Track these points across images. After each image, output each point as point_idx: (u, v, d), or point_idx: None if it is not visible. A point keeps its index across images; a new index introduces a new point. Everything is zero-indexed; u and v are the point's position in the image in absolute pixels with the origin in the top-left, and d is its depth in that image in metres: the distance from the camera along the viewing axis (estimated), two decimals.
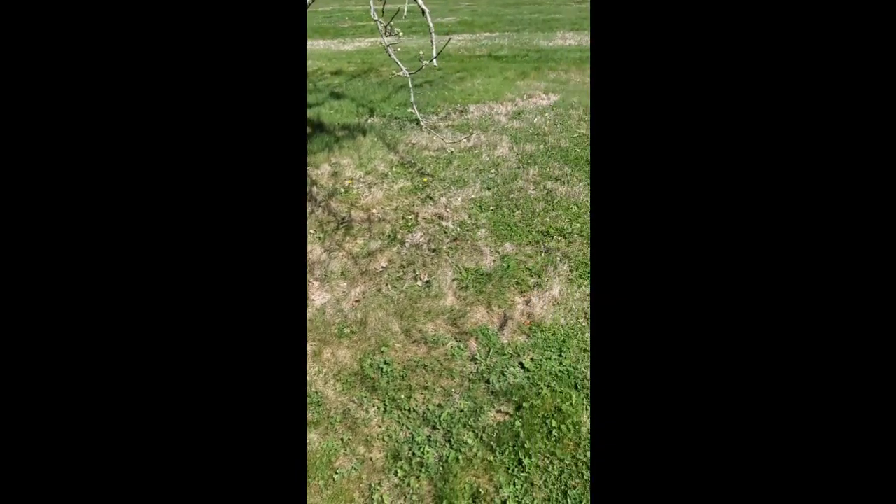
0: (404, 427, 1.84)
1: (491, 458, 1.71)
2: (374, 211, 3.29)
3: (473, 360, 2.11)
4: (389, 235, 3.00)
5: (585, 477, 1.62)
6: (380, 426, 1.86)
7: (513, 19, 10.65)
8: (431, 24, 2.10)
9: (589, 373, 1.99)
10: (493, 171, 3.67)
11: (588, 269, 2.56)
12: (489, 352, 2.14)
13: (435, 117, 4.92)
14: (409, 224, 3.10)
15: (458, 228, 3.00)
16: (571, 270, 2.58)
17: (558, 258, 2.66)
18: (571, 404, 1.86)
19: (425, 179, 3.62)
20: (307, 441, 1.79)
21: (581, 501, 1.55)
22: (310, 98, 5.61)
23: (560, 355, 2.10)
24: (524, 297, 2.45)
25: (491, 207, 3.19)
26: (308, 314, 2.42)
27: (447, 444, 1.76)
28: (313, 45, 9.10)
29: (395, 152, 4.14)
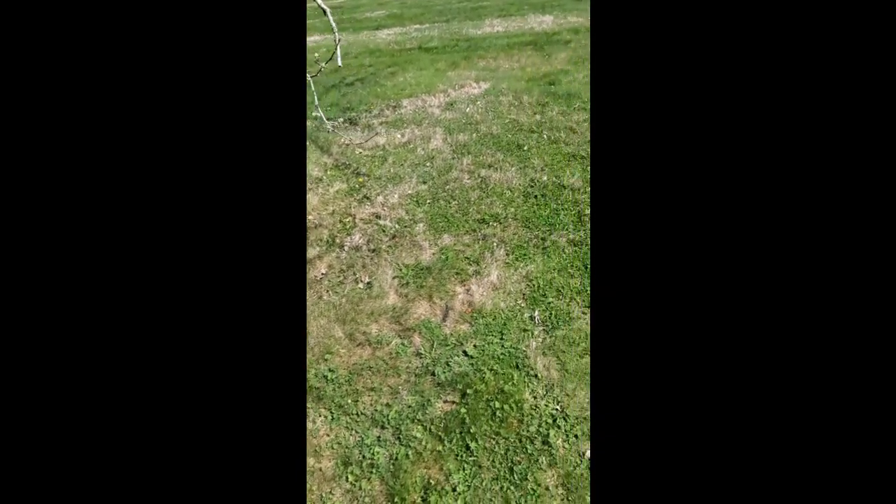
0: (353, 431, 1.84)
1: (440, 448, 1.74)
2: (311, 217, 3.22)
3: (418, 354, 2.13)
4: (327, 241, 2.95)
5: (529, 451, 1.69)
6: (328, 434, 1.84)
7: (442, 9, 10.62)
8: (334, 25, 2.07)
9: (528, 351, 2.06)
10: (428, 164, 3.68)
11: (522, 252, 2.63)
12: (433, 345, 2.17)
13: (368, 115, 4.86)
14: (347, 227, 3.07)
15: (397, 226, 3.00)
16: (508, 254, 2.64)
17: (495, 244, 2.72)
18: (513, 384, 1.92)
19: (360, 180, 3.58)
20: None
21: (526, 475, 1.61)
22: None
23: (501, 338, 2.16)
24: (464, 285, 2.49)
25: (428, 201, 3.21)
26: None
27: (397, 442, 1.78)
28: None
29: (329, 154, 4.07)
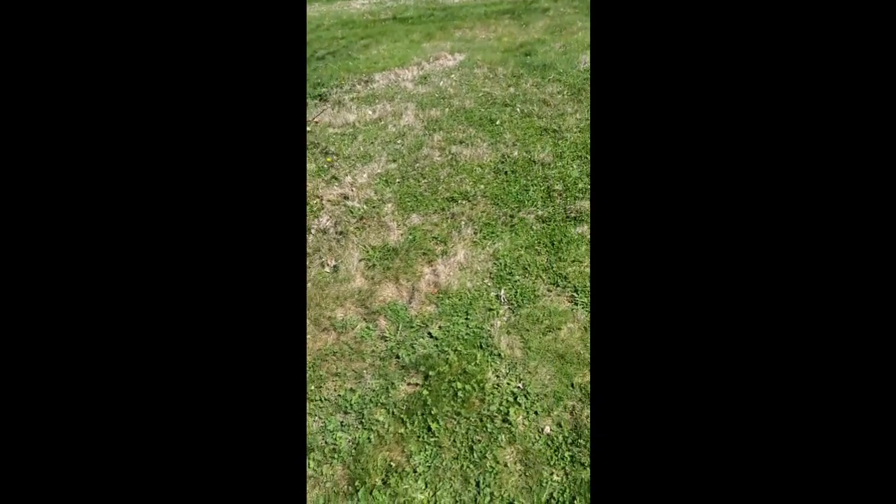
0: (316, 418, 1.84)
1: (402, 430, 1.74)
2: None
3: (383, 338, 2.12)
4: None
5: (489, 429, 1.70)
6: None
7: None
8: None
9: (492, 330, 2.05)
10: (399, 141, 3.59)
11: (490, 231, 2.60)
12: (398, 327, 2.15)
13: (339, 90, 4.70)
14: (315, 209, 3.00)
15: (365, 206, 2.94)
16: (475, 233, 2.61)
17: (463, 222, 2.68)
18: (476, 363, 1.92)
19: (329, 159, 3.48)
20: None
21: (485, 453, 1.63)
22: None
23: (467, 318, 2.15)
24: (431, 266, 2.46)
25: (397, 180, 3.14)
26: None
27: (360, 426, 1.78)
28: None
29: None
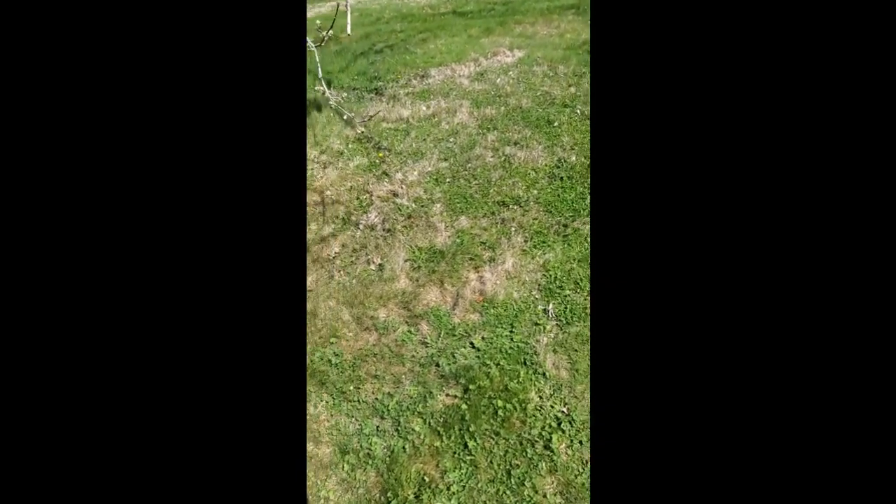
0: (353, 419, 1.83)
1: (438, 443, 1.69)
2: (328, 193, 3.17)
3: (424, 343, 2.08)
4: (343, 218, 2.90)
5: (529, 455, 1.61)
6: (328, 420, 1.84)
7: None
8: None
9: (538, 347, 1.95)
10: (451, 139, 3.53)
11: (541, 240, 2.48)
12: (440, 334, 2.10)
13: (395, 85, 4.69)
14: (364, 204, 3.00)
15: (413, 205, 2.90)
16: (525, 241, 2.50)
17: (513, 229, 2.58)
18: (519, 381, 1.84)
19: (381, 155, 3.48)
20: None
21: (524, 480, 1.55)
22: None
23: (511, 331, 2.06)
24: (478, 272, 2.39)
25: (447, 180, 3.08)
26: None
27: (395, 434, 1.75)
28: None
29: (352, 127, 3.97)
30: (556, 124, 3.52)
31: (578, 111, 3.66)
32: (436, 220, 2.77)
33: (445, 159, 3.29)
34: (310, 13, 8.47)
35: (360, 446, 1.73)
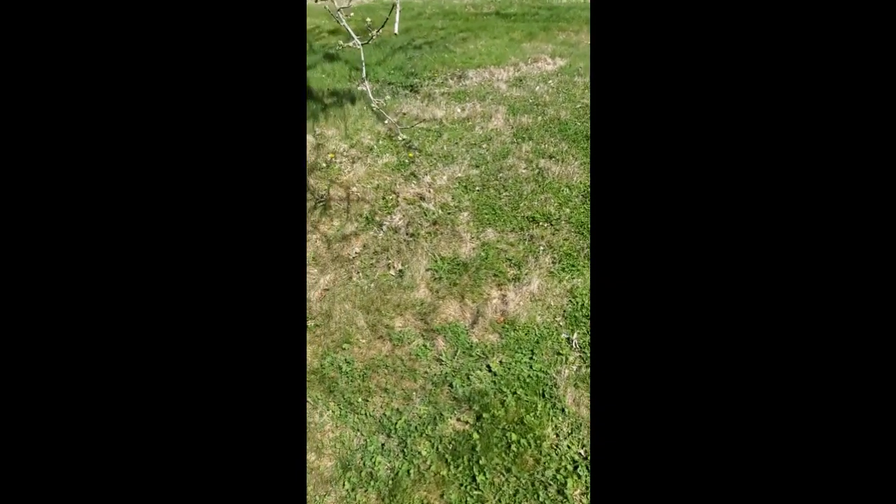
0: (359, 433, 1.75)
1: (445, 472, 1.61)
2: (354, 189, 3.10)
3: (439, 360, 1.99)
4: (367, 217, 2.83)
5: (541, 498, 1.51)
6: (333, 431, 1.77)
7: None
8: None
9: (558, 379, 1.85)
10: (484, 146, 3.43)
11: (571, 262, 2.37)
12: (457, 352, 2.01)
13: (431, 83, 4.61)
14: (389, 205, 2.92)
15: (440, 211, 2.82)
16: (554, 262, 2.39)
17: (541, 248, 2.47)
18: (535, 415, 1.74)
19: (411, 154, 3.40)
20: None
21: None
22: None
23: (531, 358, 1.96)
24: (501, 290, 2.29)
25: (477, 188, 2.98)
26: None
27: (401, 455, 1.67)
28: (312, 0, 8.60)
29: (384, 123, 3.90)
30: None
31: None
32: (461, 229, 2.67)
33: (476, 166, 3.19)
34: (353, 2, 8.43)
35: (364, 464, 1.65)
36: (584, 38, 5.58)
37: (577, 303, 2.18)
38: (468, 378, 1.90)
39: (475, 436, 1.69)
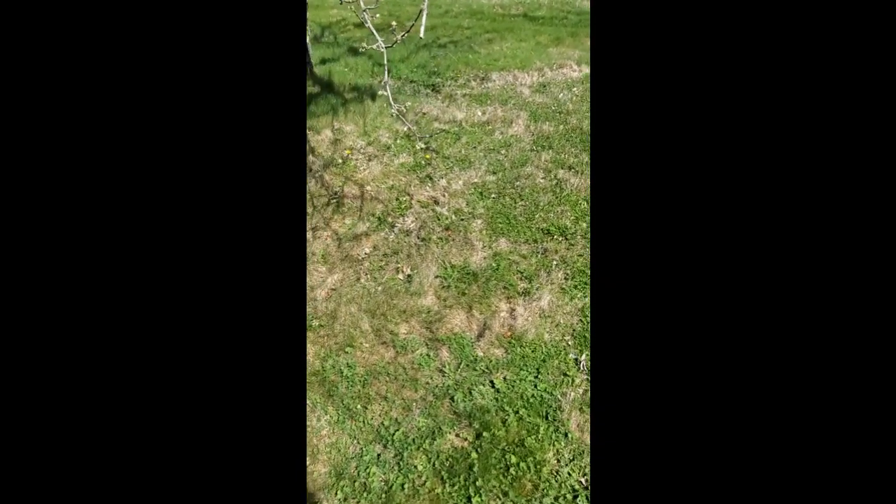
0: (355, 441, 1.72)
1: (440, 490, 1.57)
2: (369, 188, 3.07)
3: (441, 371, 1.95)
4: (379, 217, 2.80)
5: None
6: (329, 437, 1.74)
7: None
8: None
9: (563, 401, 1.79)
10: (503, 151, 3.37)
11: (584, 280, 2.31)
12: (460, 364, 1.97)
13: (453, 84, 4.56)
14: (402, 206, 2.89)
15: (453, 216, 2.77)
16: (566, 278, 2.33)
17: (554, 262, 2.41)
18: (537, 438, 1.69)
19: (428, 156, 3.35)
20: None
21: None
22: (326, 53, 5.29)
23: (536, 377, 1.91)
24: (510, 303, 2.24)
25: (492, 195, 2.93)
26: None
27: (396, 467, 1.63)
28: None
29: (403, 122, 3.86)
30: None
31: None
32: (474, 237, 2.63)
33: (493, 172, 3.14)
34: None
35: (358, 473, 1.62)
36: None
37: (588, 322, 2.12)
38: (470, 393, 1.86)
39: (473, 455, 1.65)
